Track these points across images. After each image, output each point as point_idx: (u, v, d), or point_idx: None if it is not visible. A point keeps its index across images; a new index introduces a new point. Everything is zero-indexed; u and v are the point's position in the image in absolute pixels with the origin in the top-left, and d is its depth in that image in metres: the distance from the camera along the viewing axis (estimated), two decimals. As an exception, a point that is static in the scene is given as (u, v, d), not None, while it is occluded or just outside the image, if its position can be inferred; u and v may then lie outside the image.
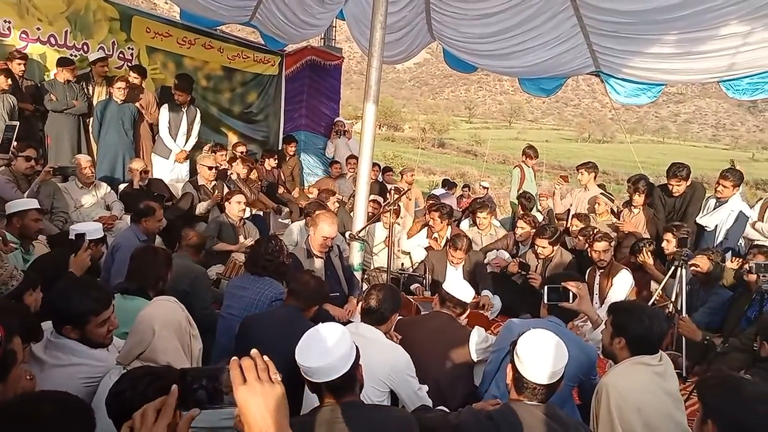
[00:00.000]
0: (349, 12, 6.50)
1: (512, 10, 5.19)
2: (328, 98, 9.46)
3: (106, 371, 2.00)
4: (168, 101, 6.55)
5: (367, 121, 4.10)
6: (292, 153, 8.17)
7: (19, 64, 5.50)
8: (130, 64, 6.63)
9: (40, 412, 1.23)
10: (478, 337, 2.75)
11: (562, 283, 2.58)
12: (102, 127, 5.95)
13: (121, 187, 5.78)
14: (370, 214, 4.69)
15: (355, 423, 1.59)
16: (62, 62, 5.76)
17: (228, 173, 6.28)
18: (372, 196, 5.56)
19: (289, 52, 8.69)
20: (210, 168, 5.74)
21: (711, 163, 43.19)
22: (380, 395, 2.34)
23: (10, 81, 5.24)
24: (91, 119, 6.04)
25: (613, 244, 4.59)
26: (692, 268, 3.87)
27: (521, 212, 6.07)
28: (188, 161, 6.68)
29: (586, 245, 4.75)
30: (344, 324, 2.09)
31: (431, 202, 6.35)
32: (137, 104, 6.29)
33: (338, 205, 6.06)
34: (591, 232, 4.80)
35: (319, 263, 3.90)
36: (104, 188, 5.39)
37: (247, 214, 5.66)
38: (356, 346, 1.68)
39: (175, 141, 6.51)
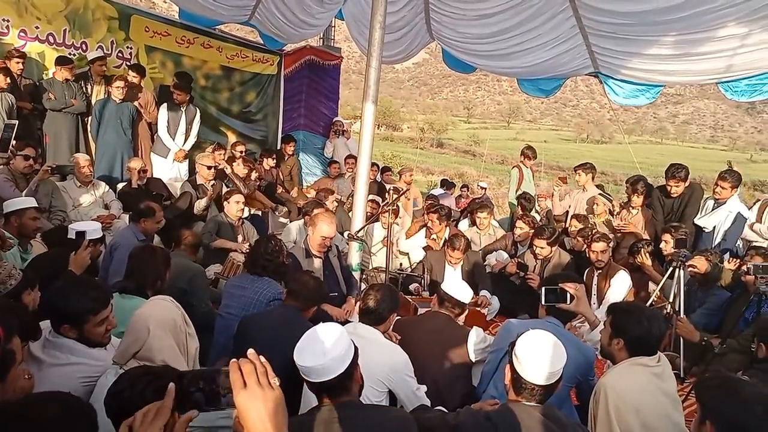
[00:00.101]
0: (348, 12, 6.50)
1: (511, 11, 5.19)
2: (327, 98, 9.45)
3: (104, 370, 2.00)
4: (167, 100, 6.55)
5: (365, 120, 4.11)
6: (290, 153, 8.15)
7: (18, 62, 5.49)
8: (128, 63, 6.61)
9: (45, 413, 1.23)
10: (476, 337, 2.75)
11: (560, 284, 2.58)
12: (100, 126, 5.94)
13: (120, 186, 5.76)
14: (368, 214, 4.69)
15: (354, 423, 1.59)
16: (61, 61, 5.75)
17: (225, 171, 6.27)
18: (371, 196, 5.55)
19: (288, 51, 8.67)
20: (209, 167, 5.74)
21: (709, 164, 43.31)
22: (378, 395, 2.34)
23: (8, 80, 5.22)
24: (90, 118, 6.03)
25: (611, 244, 4.60)
26: (690, 269, 3.88)
27: (521, 213, 6.08)
28: (187, 160, 6.67)
29: (585, 246, 4.76)
30: (342, 324, 2.09)
31: (430, 202, 6.35)
32: (136, 103, 6.29)
33: (337, 204, 6.06)
34: (589, 233, 4.81)
35: (317, 263, 3.89)
36: (103, 187, 5.38)
37: (246, 213, 5.65)
38: (355, 347, 1.67)
39: (173, 140, 6.51)
